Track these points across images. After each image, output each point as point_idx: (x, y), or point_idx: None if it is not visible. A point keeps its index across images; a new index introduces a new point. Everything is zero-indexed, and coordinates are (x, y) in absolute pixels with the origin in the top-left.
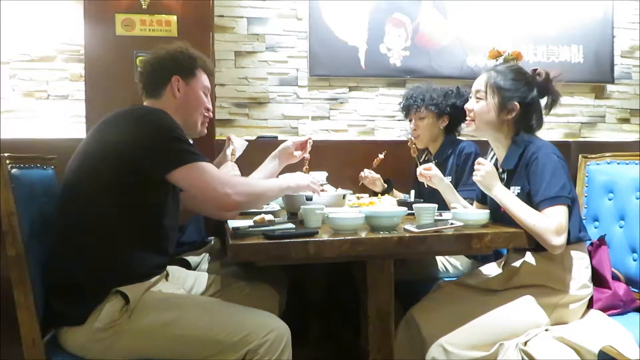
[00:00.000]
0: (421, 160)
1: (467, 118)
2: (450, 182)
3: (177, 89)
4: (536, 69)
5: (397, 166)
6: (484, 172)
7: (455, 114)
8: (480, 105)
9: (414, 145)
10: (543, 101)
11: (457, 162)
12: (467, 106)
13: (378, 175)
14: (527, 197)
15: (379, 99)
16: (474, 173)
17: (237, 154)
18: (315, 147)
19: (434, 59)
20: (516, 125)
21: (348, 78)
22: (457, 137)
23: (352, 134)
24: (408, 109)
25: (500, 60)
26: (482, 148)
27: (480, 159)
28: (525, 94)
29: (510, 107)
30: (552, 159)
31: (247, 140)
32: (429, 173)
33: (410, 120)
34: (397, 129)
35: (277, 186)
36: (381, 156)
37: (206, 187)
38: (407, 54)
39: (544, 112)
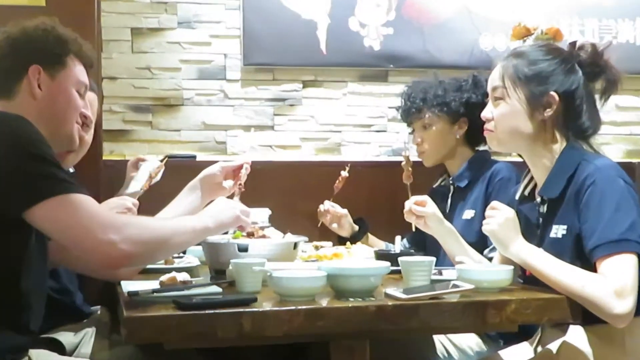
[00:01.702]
0: (437, 185)
1: (485, 129)
2: (473, 218)
3: (37, 84)
4: (575, 42)
5: (375, 199)
6: (502, 219)
7: (475, 115)
8: (500, 108)
9: (409, 168)
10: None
11: (487, 192)
12: (483, 114)
13: (345, 211)
14: (577, 241)
15: (347, 100)
16: (485, 221)
17: (157, 179)
18: (254, 173)
19: (430, 40)
20: (559, 128)
21: (302, 68)
22: (491, 156)
23: (307, 151)
24: (407, 114)
25: (530, 40)
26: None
27: (495, 203)
28: (565, 78)
29: (545, 100)
30: (616, 185)
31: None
32: (422, 210)
33: (413, 131)
34: (375, 145)
35: (190, 227)
36: (344, 174)
37: (80, 231)
38: (389, 32)
39: (599, 103)
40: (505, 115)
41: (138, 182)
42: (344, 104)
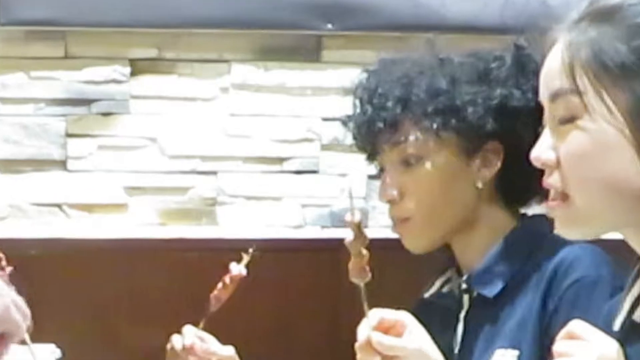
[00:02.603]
0: (433, 292)
1: (547, 185)
2: None
3: None
4: None
5: (292, 322)
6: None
7: (519, 137)
8: (573, 139)
9: (362, 250)
10: None
11: (545, 309)
12: (536, 155)
13: (228, 351)
14: None
15: (231, 101)
16: None
17: None
18: (25, 265)
19: None
20: None
21: (130, 32)
22: (553, 229)
23: (142, 216)
24: (368, 133)
25: None
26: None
27: (576, 326)
28: None
29: None
30: None
31: None
32: (395, 345)
33: (381, 171)
34: (294, 202)
35: None
36: (238, 270)
37: None
38: None
39: None
40: (586, 155)
41: None
42: (222, 111)
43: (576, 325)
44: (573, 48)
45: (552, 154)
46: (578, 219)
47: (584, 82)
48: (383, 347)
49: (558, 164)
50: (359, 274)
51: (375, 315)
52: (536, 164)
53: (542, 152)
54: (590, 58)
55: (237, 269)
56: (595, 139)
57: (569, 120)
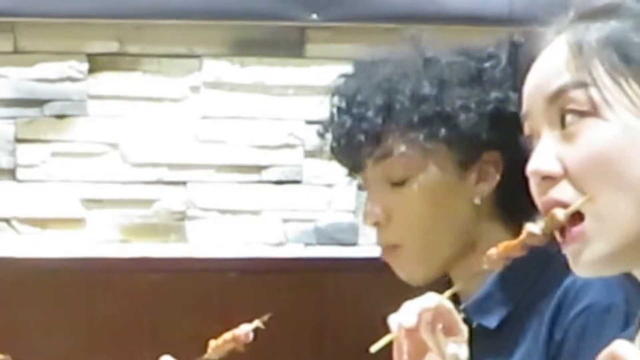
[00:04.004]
0: None
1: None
2: None
3: None
4: None
5: None
6: None
7: (519, 145)
8: (588, 140)
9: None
10: None
11: (550, 339)
12: (534, 167)
13: None
14: None
15: (201, 102)
16: None
17: None
18: None
19: None
20: None
21: (87, 23)
22: (558, 248)
23: (101, 232)
24: (347, 146)
25: None
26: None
27: (619, 347)
28: None
29: None
30: None
31: None
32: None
33: (362, 187)
34: (274, 217)
35: None
36: (246, 332)
37: None
38: None
39: None
40: (608, 154)
41: None
42: (193, 113)
43: (620, 346)
44: (583, 43)
45: (556, 164)
46: (606, 245)
47: (599, 74)
48: (442, 310)
49: (565, 175)
50: (497, 263)
51: (448, 302)
52: (534, 178)
53: (542, 163)
54: (605, 51)
55: (246, 330)
56: (618, 135)
57: (580, 117)
